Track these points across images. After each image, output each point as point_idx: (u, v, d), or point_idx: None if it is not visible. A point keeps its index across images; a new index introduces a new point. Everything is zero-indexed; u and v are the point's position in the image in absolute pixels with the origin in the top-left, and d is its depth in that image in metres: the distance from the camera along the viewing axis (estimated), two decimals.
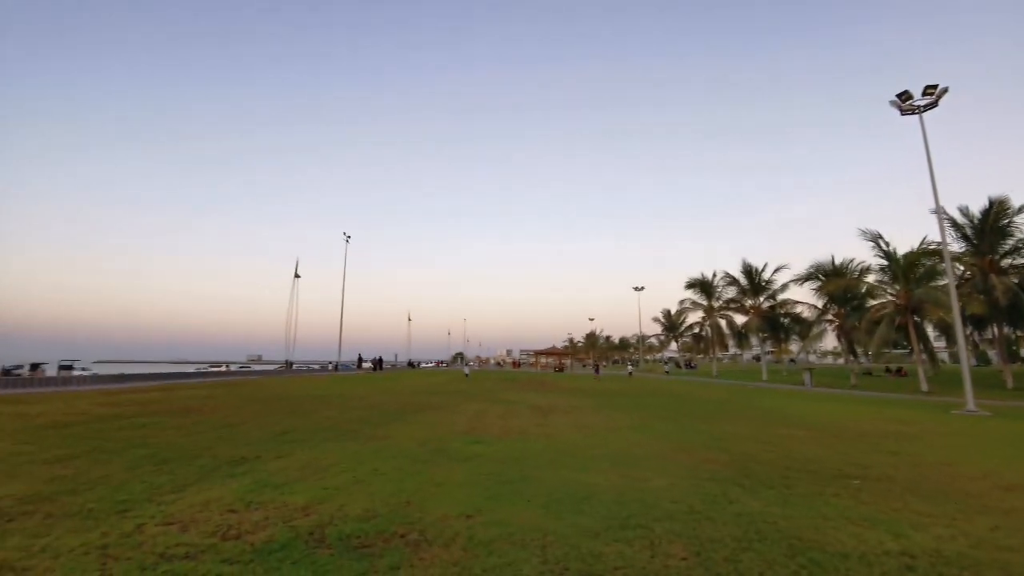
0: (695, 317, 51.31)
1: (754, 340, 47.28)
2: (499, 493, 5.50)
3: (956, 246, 27.47)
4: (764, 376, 37.08)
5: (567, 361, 65.70)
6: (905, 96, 16.75)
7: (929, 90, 16.24)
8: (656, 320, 64.05)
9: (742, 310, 42.87)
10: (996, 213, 25.67)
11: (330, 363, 59.72)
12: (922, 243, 27.44)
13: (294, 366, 53.81)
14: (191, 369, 61.24)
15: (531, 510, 4.93)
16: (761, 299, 40.58)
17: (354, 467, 6.52)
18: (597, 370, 35.18)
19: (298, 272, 50.99)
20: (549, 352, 69.44)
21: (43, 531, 3.96)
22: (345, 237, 54.41)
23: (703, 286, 46.73)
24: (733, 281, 42.16)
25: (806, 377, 30.71)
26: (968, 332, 26.97)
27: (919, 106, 16.64)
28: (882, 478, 7.04)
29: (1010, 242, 25.76)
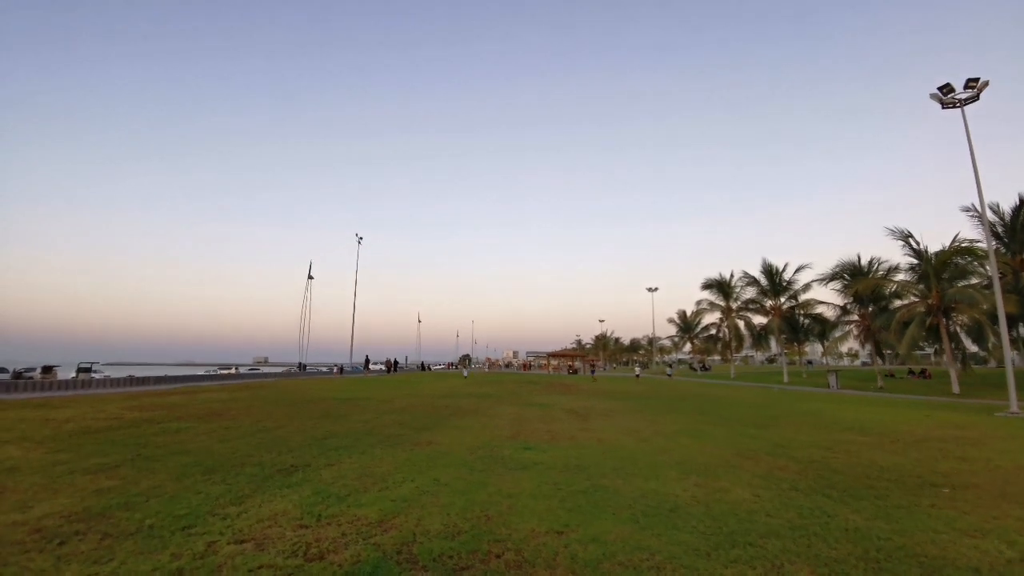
0: (711, 318, 50.71)
1: (773, 342, 46.65)
2: (578, 505, 5.09)
3: (986, 244, 26.75)
4: (785, 378, 36.35)
5: (579, 363, 65.11)
6: (947, 89, 16.18)
7: (971, 83, 15.66)
8: (671, 321, 63.35)
9: (762, 311, 42.15)
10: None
11: (336, 366, 59.43)
12: (954, 241, 26.76)
13: (306, 368, 53.66)
14: (200, 372, 61.18)
15: (621, 525, 4.53)
16: (782, 300, 39.87)
17: (413, 476, 6.13)
18: (593, 370, 33.17)
19: (311, 274, 50.72)
20: (561, 354, 68.83)
21: (104, 555, 3.58)
22: (357, 238, 54.30)
23: (720, 286, 46.05)
24: (753, 281, 41.47)
25: (832, 379, 30.01)
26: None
27: (961, 99, 16.06)
28: (968, 485, 6.60)
29: None
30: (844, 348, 39.19)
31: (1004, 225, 25.81)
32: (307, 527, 4.21)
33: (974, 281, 26.57)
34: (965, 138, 15.62)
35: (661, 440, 9.65)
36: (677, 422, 12.45)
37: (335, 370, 51.49)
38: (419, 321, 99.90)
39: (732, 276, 45.42)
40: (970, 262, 26.14)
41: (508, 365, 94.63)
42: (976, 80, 15.67)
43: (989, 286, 25.17)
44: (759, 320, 45.12)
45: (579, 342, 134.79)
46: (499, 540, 4.06)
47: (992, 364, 40.84)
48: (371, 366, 67.58)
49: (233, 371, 57.54)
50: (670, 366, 61.30)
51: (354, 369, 51.05)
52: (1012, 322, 24.97)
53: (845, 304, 36.98)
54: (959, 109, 16.12)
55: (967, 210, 27.01)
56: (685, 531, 4.43)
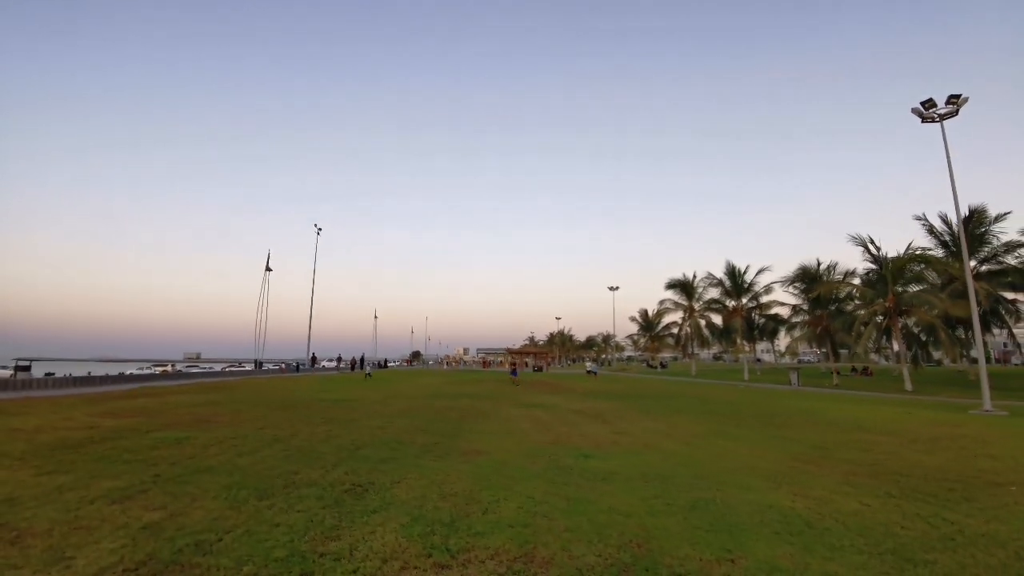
0: (674, 317, 52.04)
1: (726, 340, 48.52)
2: (711, 524, 4.65)
3: (937, 252, 28.87)
4: (746, 376, 37.81)
5: (541, 362, 65.20)
6: (929, 104, 17.06)
7: (952, 99, 16.58)
8: (633, 320, 64.57)
9: (724, 311, 43.63)
10: (975, 222, 27.03)
11: (284, 363, 56.21)
12: (908, 248, 28.69)
13: (263, 366, 50.46)
14: (133, 369, 55.84)
15: (780, 546, 4.13)
16: (744, 300, 41.43)
17: (500, 494, 5.49)
18: (514, 371, 29.53)
19: (270, 265, 47.70)
20: (525, 351, 68.73)
21: None
22: (316, 229, 51.49)
23: (684, 286, 47.34)
24: (716, 282, 42.88)
25: (793, 377, 31.38)
26: (957, 335, 28.22)
27: (940, 114, 16.98)
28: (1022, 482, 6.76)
29: (986, 249, 27.17)
30: (794, 347, 41.04)
31: (952, 235, 27.86)
32: (447, 567, 3.52)
33: (925, 286, 28.54)
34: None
35: (703, 444, 9.42)
36: (696, 423, 12.32)
37: (285, 368, 48.61)
38: (375, 317, 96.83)
39: (695, 277, 46.96)
40: (924, 269, 28.03)
41: (460, 362, 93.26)
42: (957, 96, 16.59)
43: (942, 290, 27.08)
44: (719, 320, 46.76)
45: (532, 339, 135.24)
46: (673, 570, 3.56)
47: (947, 363, 43.99)
48: (326, 364, 64.62)
49: (169, 368, 53.00)
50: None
51: (300, 367, 48.14)
52: (964, 325, 26.99)
53: (796, 306, 38.94)
54: (938, 124, 17.06)
55: (919, 219, 29.10)
56: (850, 551, 4.09)
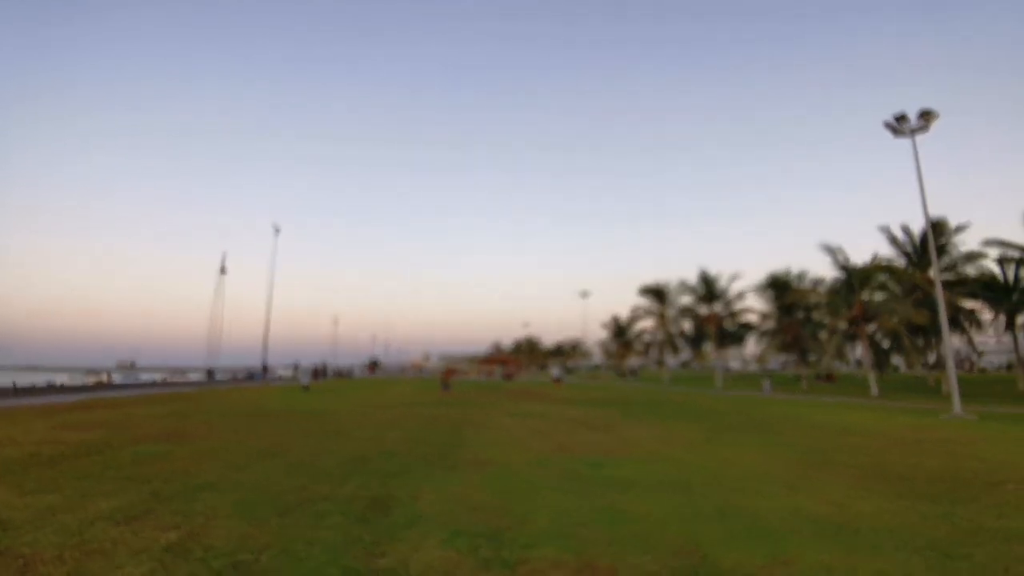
0: (647, 324, 52.92)
1: (689, 347, 49.73)
2: (746, 529, 4.66)
3: (900, 262, 30.39)
4: (719, 383, 38.71)
5: (511, 368, 65.06)
6: (901, 119, 18.00)
7: (924, 115, 17.55)
8: (605, 326, 65.29)
9: (698, 317, 44.66)
10: (936, 233, 28.56)
11: (248, 371, 53.82)
12: (873, 259, 30.15)
13: (215, 376, 48.15)
14: (64, 378, 51.44)
15: (828, 551, 4.14)
16: (717, 307, 42.51)
17: (527, 505, 5.36)
18: (446, 385, 26.27)
19: (224, 267, 45.76)
20: (494, 358, 68.43)
21: None
22: (275, 229, 49.78)
23: (657, 293, 48.24)
24: (690, 289, 43.86)
25: (766, 384, 32.33)
26: (917, 343, 29.66)
27: (912, 129, 17.94)
28: (1017, 480, 7.05)
29: (946, 259, 28.76)
30: (766, 354, 42.47)
31: (913, 246, 29.46)
32: None
33: (888, 295, 29.96)
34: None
35: (706, 451, 9.50)
36: (691, 431, 12.45)
37: (242, 377, 46.59)
38: (335, 323, 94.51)
39: (667, 284, 47.88)
40: (889, 279, 29.43)
41: (422, 369, 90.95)
42: (929, 113, 17.58)
43: (903, 298, 28.43)
44: (690, 327, 47.84)
45: (497, 346, 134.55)
46: None
47: (903, 369, 45.93)
48: (296, 372, 62.17)
49: (105, 379, 49.92)
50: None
51: (250, 376, 45.92)
52: (924, 332, 28.46)
53: (767, 313, 40.22)
54: (910, 138, 18.03)
55: (884, 230, 30.62)
56: (890, 550, 4.15)
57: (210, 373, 50.91)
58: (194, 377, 54.36)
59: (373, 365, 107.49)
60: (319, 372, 51.06)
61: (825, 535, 4.54)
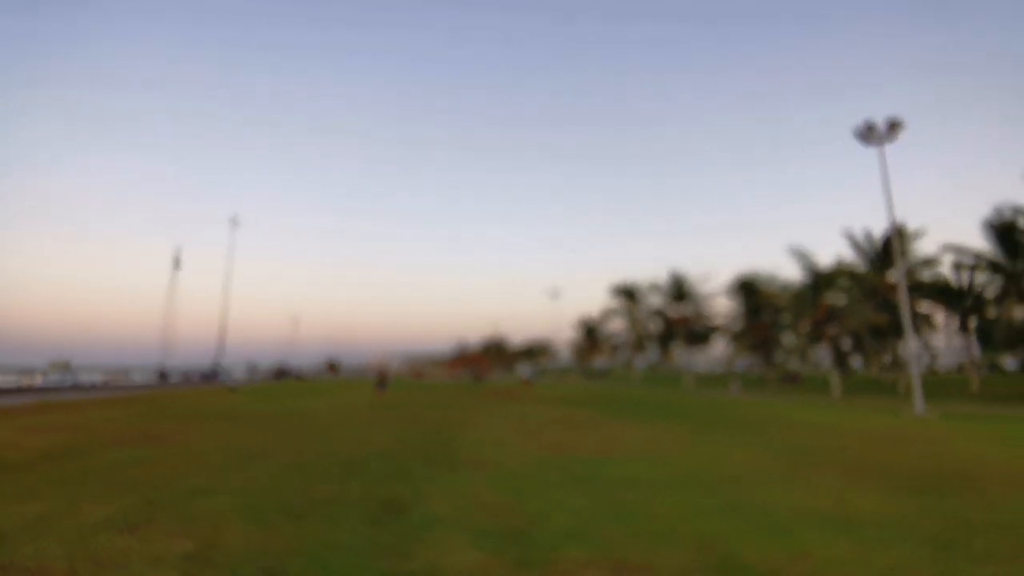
0: (618, 324, 53.69)
1: (661, 348, 50.74)
2: (758, 525, 4.78)
3: (860, 266, 31.81)
4: (689, 383, 39.62)
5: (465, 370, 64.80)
6: (868, 128, 18.87)
7: (893, 124, 18.47)
8: (576, 326, 65.92)
9: (668, 319, 45.60)
10: (894, 238, 30.01)
11: (219, 372, 51.61)
12: (837, 262, 31.51)
13: (167, 377, 45.98)
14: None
15: (834, 542, 4.30)
16: (687, 308, 43.52)
17: (539, 505, 5.38)
18: (382, 384, 24.39)
19: (178, 261, 43.98)
20: (463, 360, 68.01)
21: None
22: (233, 221, 48.25)
23: (628, 293, 49.02)
24: (661, 290, 44.77)
25: (734, 385, 33.28)
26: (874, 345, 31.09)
27: (880, 138, 18.82)
28: (990, 477, 7.34)
29: (903, 264, 30.24)
30: (734, 355, 43.71)
31: (875, 251, 30.92)
32: None
33: (851, 298, 31.32)
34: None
35: (696, 450, 9.69)
36: (676, 430, 12.67)
37: (198, 377, 44.76)
38: (294, 323, 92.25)
39: (639, 284, 48.67)
40: (853, 284, 30.75)
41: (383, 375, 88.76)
42: (897, 122, 18.49)
43: (861, 302, 29.75)
44: (659, 327, 48.77)
45: (463, 346, 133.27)
46: (765, 571, 3.62)
47: (860, 370, 47.97)
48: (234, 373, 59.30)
49: (40, 382, 46.89)
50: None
51: (206, 377, 43.98)
52: (882, 334, 29.85)
53: (735, 315, 41.42)
54: (878, 146, 18.92)
55: (847, 234, 32.03)
56: (896, 542, 4.33)
57: (163, 374, 48.67)
58: (140, 378, 51.84)
59: (332, 366, 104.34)
60: (280, 373, 49.71)
61: (832, 529, 4.70)
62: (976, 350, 33.90)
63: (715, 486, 6.48)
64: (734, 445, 10.31)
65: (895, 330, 30.66)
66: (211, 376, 44.39)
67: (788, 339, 31.55)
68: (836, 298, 30.71)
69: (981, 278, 29.31)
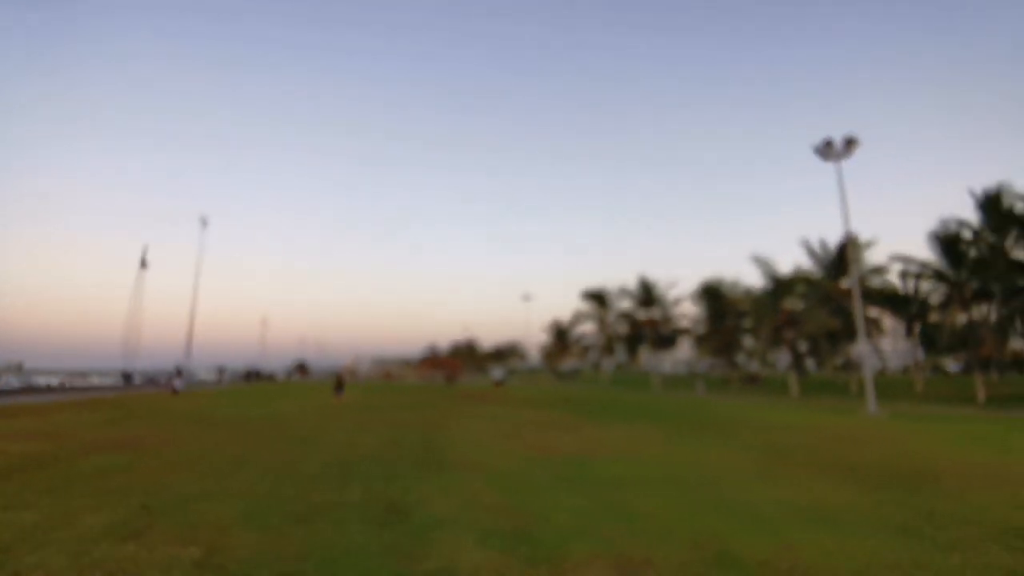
0: (588, 327, 54.56)
1: (629, 351, 51.89)
2: (745, 519, 5.10)
3: (816, 273, 33.45)
4: (656, 385, 40.66)
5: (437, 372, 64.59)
6: (827, 145, 19.96)
7: (849, 142, 19.59)
8: (546, 330, 66.55)
9: (636, 322, 46.67)
10: (848, 248, 31.69)
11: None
12: (795, 270, 33.07)
13: (132, 379, 44.14)
14: None
15: (819, 534, 4.64)
16: (655, 312, 44.66)
17: (536, 504, 5.56)
18: (340, 388, 23.87)
19: (145, 260, 42.27)
20: (434, 362, 67.68)
21: None
22: (202, 222, 46.53)
23: (599, 297, 49.92)
24: (631, 295, 45.79)
25: (699, 385, 34.41)
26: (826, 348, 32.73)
27: (837, 154, 19.94)
28: (944, 473, 7.86)
29: (856, 273, 31.97)
30: (699, 357, 45.17)
31: (829, 259, 32.60)
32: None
33: (808, 303, 32.94)
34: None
35: (675, 449, 10.07)
36: (651, 431, 13.09)
37: (168, 380, 43.14)
38: (264, 324, 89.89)
39: (609, 289, 49.66)
40: (810, 290, 32.29)
41: (354, 374, 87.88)
42: (853, 140, 19.61)
43: (815, 307, 31.26)
44: (627, 330, 49.84)
45: (432, 348, 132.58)
46: (763, 561, 3.90)
47: (813, 371, 50.22)
48: (177, 379, 56.86)
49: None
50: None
51: (150, 380, 42.54)
52: (837, 338, 31.49)
53: (700, 319, 42.78)
54: (836, 163, 20.04)
55: (804, 244, 33.66)
56: (873, 533, 4.69)
57: (127, 376, 46.82)
58: (99, 381, 49.59)
59: (302, 368, 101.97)
60: (250, 375, 48.42)
61: (813, 522, 5.06)
62: (920, 353, 36.10)
63: (697, 485, 6.82)
64: (709, 445, 10.77)
65: (848, 334, 32.42)
66: (155, 380, 42.62)
67: (749, 342, 32.81)
68: (795, 304, 32.24)
69: (926, 286, 31.25)
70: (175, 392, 25.16)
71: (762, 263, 33.04)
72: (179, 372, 40.63)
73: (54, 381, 47.32)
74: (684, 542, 4.35)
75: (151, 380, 44.51)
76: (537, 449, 9.58)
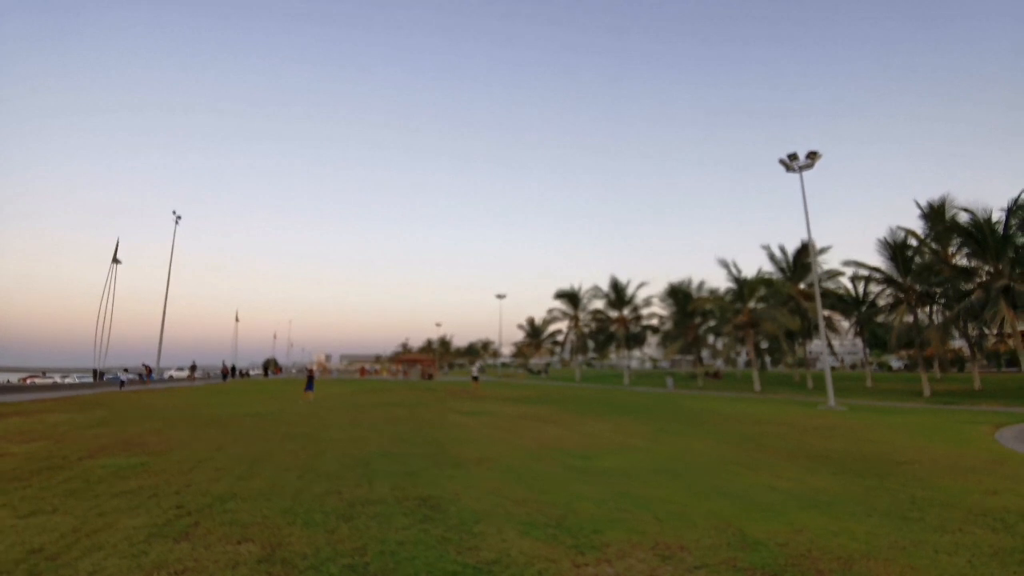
0: (560, 326, 55.40)
1: (600, 348, 53.09)
2: (748, 505, 5.59)
3: (777, 275, 35.22)
4: (626, 380, 41.83)
5: (431, 369, 64.48)
6: (792, 157, 21.14)
7: (811, 155, 20.81)
8: (520, 327, 67.09)
9: (608, 320, 47.80)
10: (805, 253, 33.53)
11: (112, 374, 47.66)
12: (758, 273, 34.78)
13: (104, 377, 42.43)
14: None
15: (814, 517, 5.16)
16: (626, 311, 45.87)
17: (559, 496, 5.91)
18: (310, 381, 23.67)
19: (118, 256, 40.52)
20: (408, 358, 67.24)
21: None
22: (175, 217, 44.83)
23: (571, 297, 50.78)
24: (602, 295, 46.88)
25: (669, 381, 35.65)
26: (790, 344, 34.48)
27: (801, 166, 21.15)
28: (911, 461, 8.59)
29: (811, 276, 33.81)
30: (668, 354, 46.63)
31: (787, 263, 34.44)
32: (609, 561, 3.93)
33: (770, 304, 34.66)
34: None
35: (663, 441, 10.66)
36: (637, 424, 13.70)
37: (140, 377, 41.64)
38: (236, 320, 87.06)
39: (581, 288, 50.69)
40: (773, 291, 33.93)
41: (330, 371, 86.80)
42: (815, 153, 20.84)
43: (779, 307, 32.92)
44: (598, 328, 50.96)
45: (406, 345, 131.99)
46: (780, 543, 4.35)
47: (770, 367, 52.63)
48: (174, 373, 55.92)
49: None
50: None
51: (116, 378, 41.11)
52: (794, 336, 33.23)
53: (668, 317, 44.23)
54: (799, 174, 21.27)
55: (765, 248, 35.44)
56: (861, 516, 5.25)
57: (98, 374, 44.82)
58: (69, 379, 47.33)
59: (275, 365, 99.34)
60: (227, 372, 47.19)
61: (809, 507, 5.60)
62: (868, 352, 38.48)
63: (694, 473, 7.34)
64: (692, 437, 11.40)
65: (804, 332, 34.28)
66: (146, 376, 40.99)
67: (712, 341, 34.21)
68: (757, 304, 33.87)
69: (875, 289, 33.34)
70: (121, 386, 24.73)
71: (726, 265, 34.57)
72: (148, 369, 39.20)
73: (14, 378, 44.84)
74: (706, 527, 4.78)
75: (114, 379, 42.65)
76: (538, 444, 9.94)
